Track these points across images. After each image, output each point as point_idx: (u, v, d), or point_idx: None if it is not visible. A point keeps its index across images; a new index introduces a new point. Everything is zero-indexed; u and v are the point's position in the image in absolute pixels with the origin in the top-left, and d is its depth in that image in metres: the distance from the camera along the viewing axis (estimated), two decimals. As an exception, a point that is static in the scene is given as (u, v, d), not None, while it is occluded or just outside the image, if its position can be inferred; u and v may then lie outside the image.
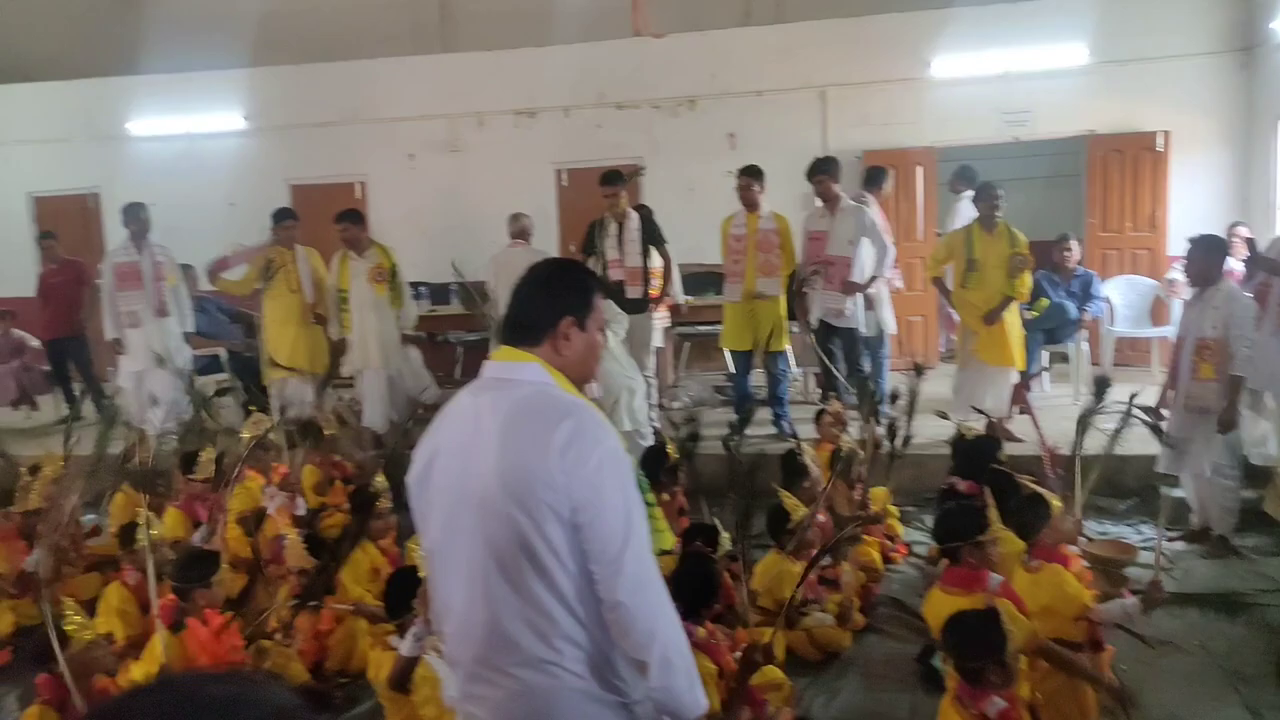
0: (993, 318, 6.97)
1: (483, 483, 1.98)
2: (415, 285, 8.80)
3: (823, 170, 7.23)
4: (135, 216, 8.12)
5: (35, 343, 9.47)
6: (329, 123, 10.80)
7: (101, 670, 4.05)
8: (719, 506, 5.16)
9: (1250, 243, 6.97)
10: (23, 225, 11.44)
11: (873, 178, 8.59)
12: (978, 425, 5.99)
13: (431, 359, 8.48)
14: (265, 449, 6.07)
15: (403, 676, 3.70)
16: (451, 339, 9.88)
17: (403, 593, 3.89)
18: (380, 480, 5.27)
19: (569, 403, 2.02)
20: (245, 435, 6.07)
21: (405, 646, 3.67)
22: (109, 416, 6.59)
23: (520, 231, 8.33)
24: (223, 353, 9.02)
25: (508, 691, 2.00)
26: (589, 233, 7.56)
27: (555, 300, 2.12)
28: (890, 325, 7.91)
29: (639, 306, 7.40)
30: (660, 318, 8.05)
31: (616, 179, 7.38)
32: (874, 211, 7.79)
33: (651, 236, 7.46)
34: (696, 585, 3.81)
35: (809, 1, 10.47)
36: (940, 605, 3.62)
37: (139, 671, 4.21)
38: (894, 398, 6.02)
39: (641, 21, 10.36)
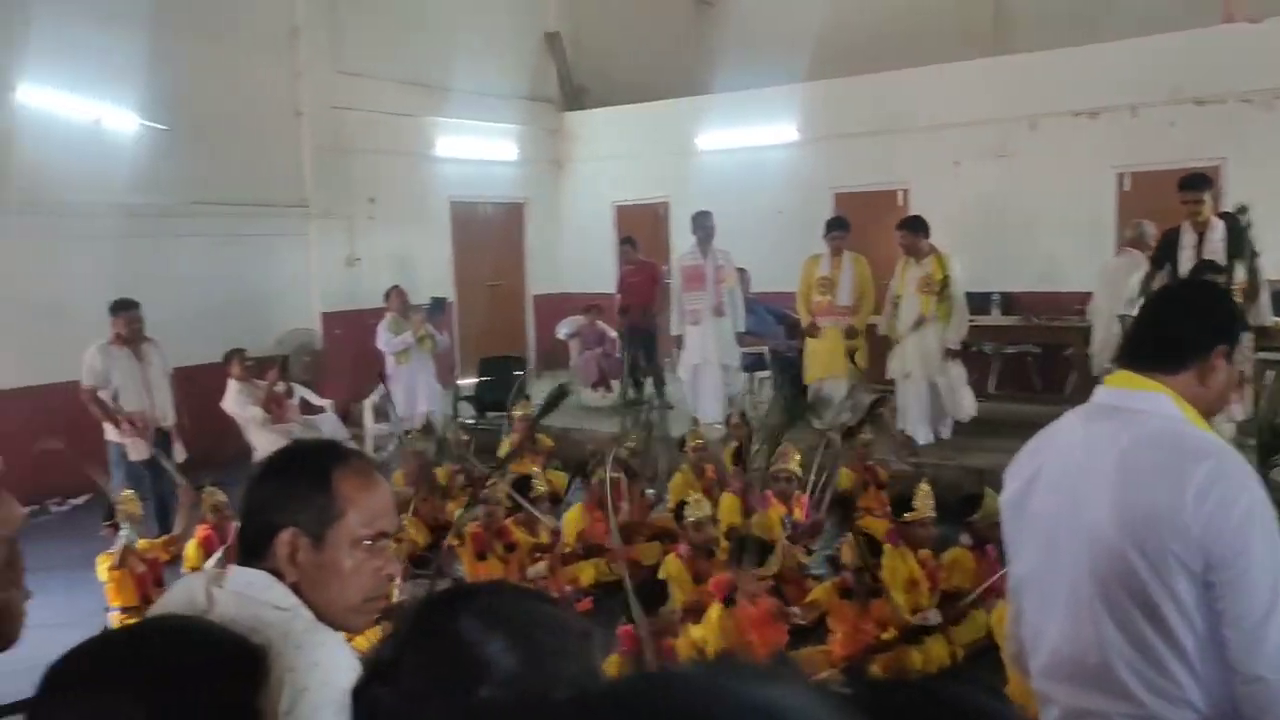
0: None
1: (1095, 518, 1.83)
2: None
3: None
4: (701, 224, 8.94)
5: (613, 334, 10.85)
6: (874, 131, 11.00)
7: (667, 632, 4.53)
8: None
9: None
10: (607, 231, 13.18)
11: None
12: None
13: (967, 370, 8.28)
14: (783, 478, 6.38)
15: None
16: (987, 350, 9.58)
17: None
18: (924, 489, 5.25)
19: (1207, 442, 1.79)
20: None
21: None
22: (665, 405, 7.41)
23: (1136, 240, 7.79)
24: (766, 351, 9.60)
25: None
26: (1162, 243, 6.90)
27: (1207, 326, 1.90)
28: None
29: None
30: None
31: (1201, 183, 6.62)
32: None
33: (1238, 248, 6.56)
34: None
35: None
36: None
37: (697, 633, 4.66)
38: None
39: (1235, 5, 9.14)
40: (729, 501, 6.11)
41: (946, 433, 7.83)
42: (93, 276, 8.31)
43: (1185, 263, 6.66)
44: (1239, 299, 6.61)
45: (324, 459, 1.58)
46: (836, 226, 8.29)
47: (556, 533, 5.97)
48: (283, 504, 1.54)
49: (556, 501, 6.95)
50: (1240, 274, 6.58)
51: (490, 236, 13.06)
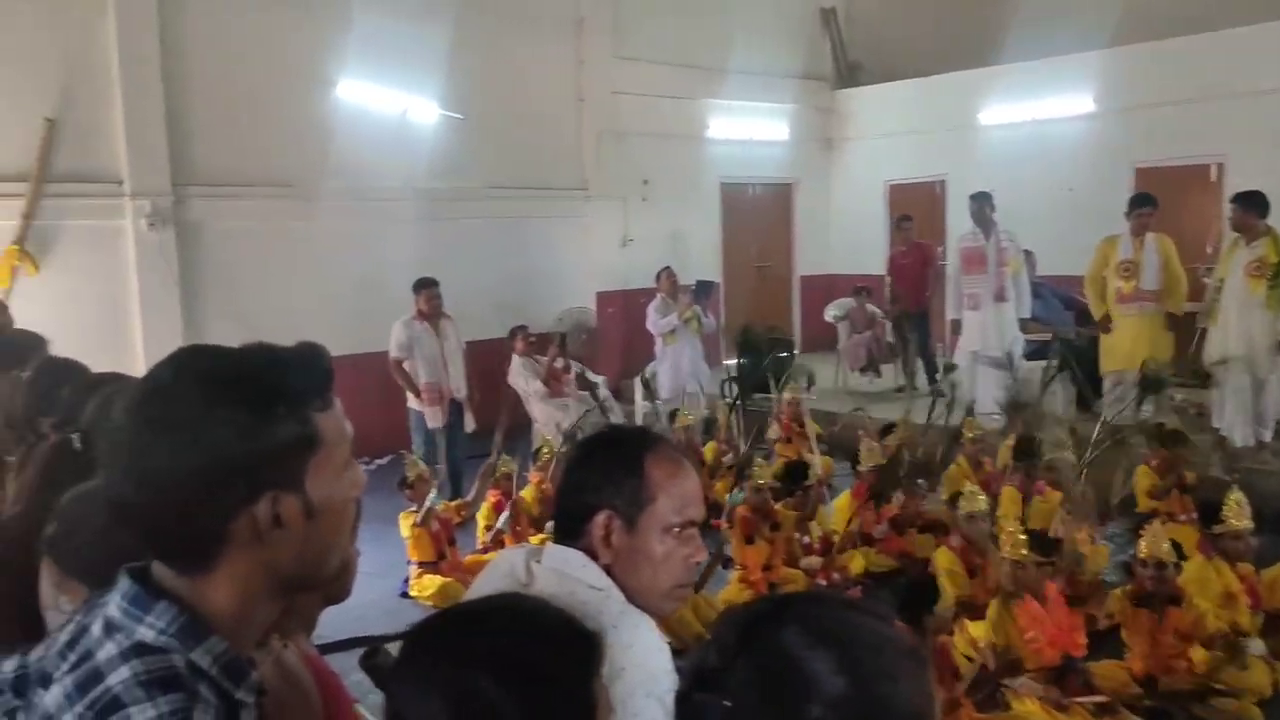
0: None
1: None
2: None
3: None
4: (980, 204, 8.50)
5: (882, 316, 10.56)
6: (1184, 100, 10.00)
7: (941, 630, 4.37)
8: None
9: None
10: (879, 211, 12.82)
11: None
12: None
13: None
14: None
15: None
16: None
17: None
18: (1235, 498, 4.74)
19: None
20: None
21: None
22: (939, 392, 7.10)
23: None
24: (1054, 339, 9.01)
25: None
26: None
27: None
28: None
29: None
30: None
31: None
32: None
33: None
34: None
35: None
36: None
37: (976, 630, 4.44)
38: None
39: None
40: (1009, 494, 5.80)
41: (1268, 435, 7.03)
42: (399, 256, 9.04)
43: None
44: None
45: (637, 445, 1.62)
46: (1145, 203, 7.63)
47: (826, 538, 5.86)
48: (598, 486, 1.58)
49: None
50: None
51: (759, 217, 13.04)
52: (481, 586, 1.65)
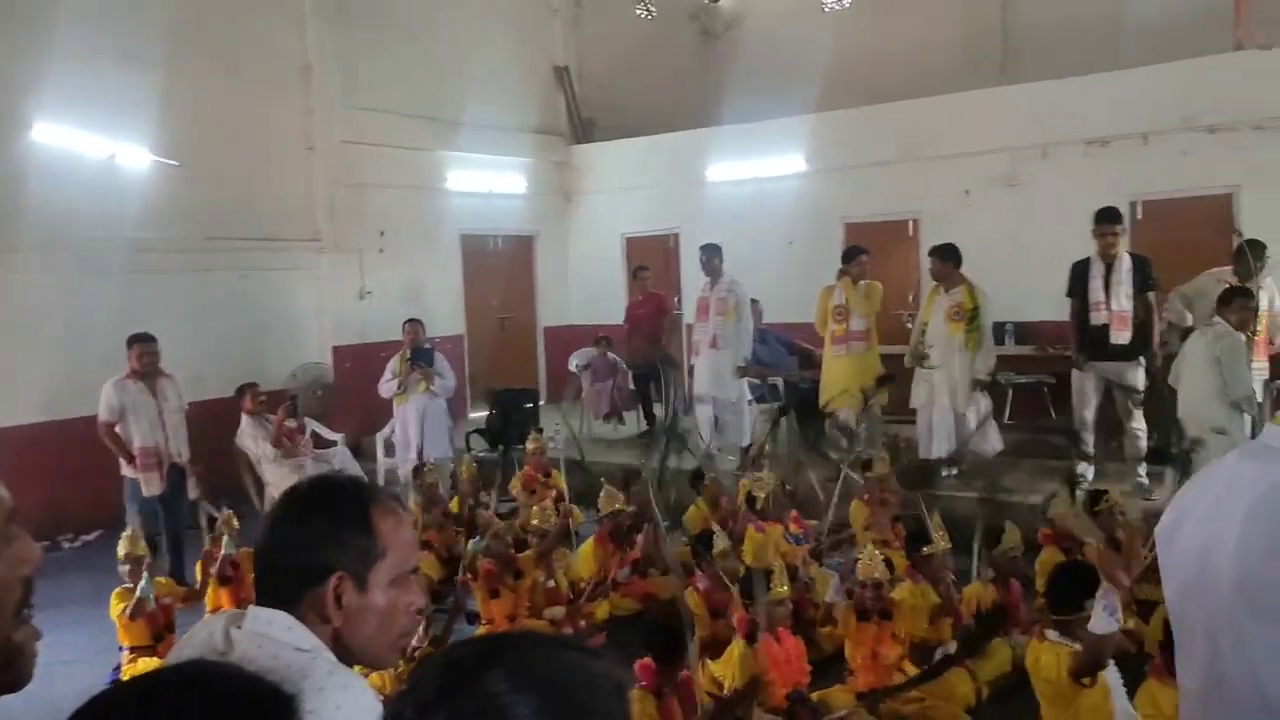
0: None
1: (1214, 565, 1.68)
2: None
3: None
4: (709, 255, 8.96)
5: (625, 365, 10.82)
6: (884, 162, 11.02)
7: (687, 666, 4.46)
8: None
9: None
10: (616, 262, 13.19)
11: None
12: None
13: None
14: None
15: (1095, 661, 3.39)
16: (1001, 380, 9.51)
17: (1072, 587, 3.71)
18: (938, 522, 5.19)
19: None
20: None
21: (1097, 623, 3.34)
22: (671, 437, 7.37)
23: None
24: (779, 382, 9.57)
25: None
26: (1073, 274, 7.29)
27: None
28: None
29: (1122, 353, 7.06)
30: (1258, 367, 7.02)
31: (1116, 217, 7.14)
32: None
33: (1145, 282, 7.09)
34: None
35: None
36: None
37: (716, 669, 4.59)
38: None
39: (1245, 32, 9.16)
40: (754, 537, 6.05)
41: (965, 464, 7.77)
42: (108, 311, 8.34)
43: (1095, 293, 7.07)
44: (1126, 330, 6.97)
45: (361, 499, 1.54)
46: (860, 252, 8.40)
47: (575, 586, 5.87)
48: (323, 546, 1.49)
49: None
50: (1123, 303, 7.00)
51: (501, 269, 13.08)
52: (177, 658, 1.52)
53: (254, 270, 10.11)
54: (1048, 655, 3.43)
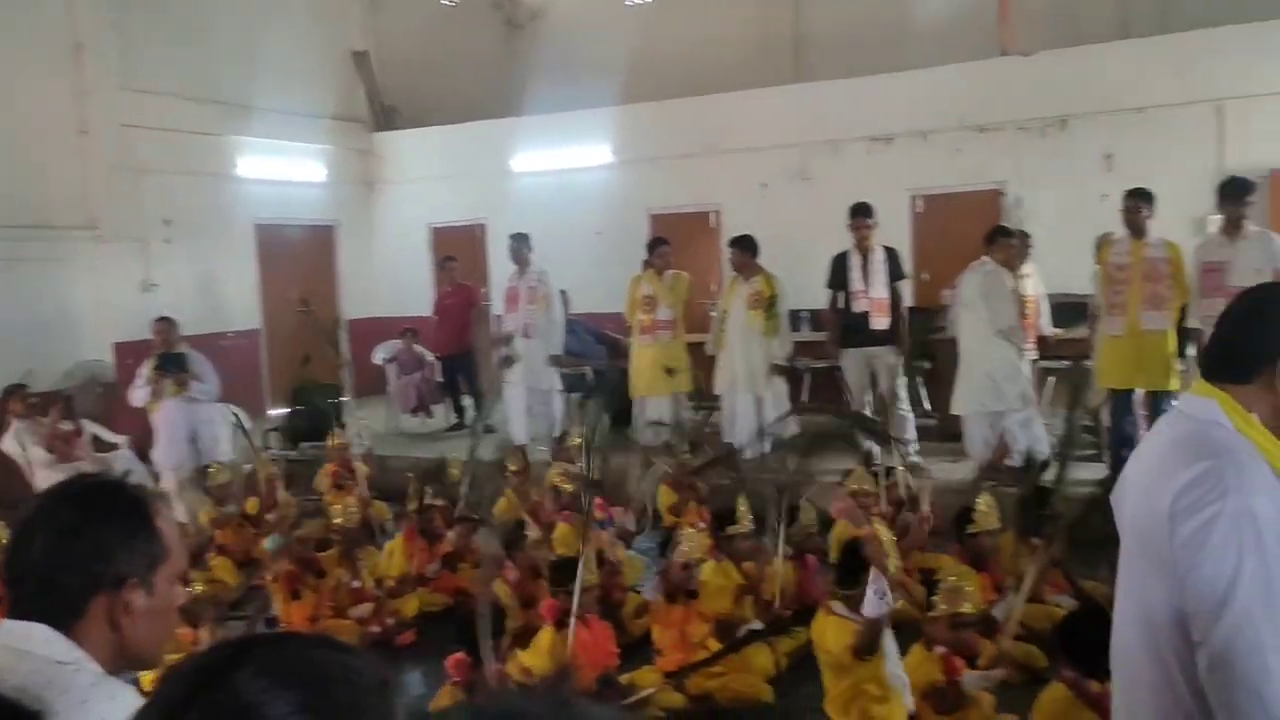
0: None
1: (1133, 520, 1.86)
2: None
3: (1244, 193, 6.52)
4: (515, 246, 8.92)
5: (432, 358, 10.64)
6: (687, 155, 11.29)
7: (497, 658, 4.45)
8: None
9: None
10: (423, 253, 12.94)
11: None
12: None
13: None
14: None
15: (870, 641, 3.56)
16: (799, 366, 9.93)
17: (856, 564, 3.86)
18: (741, 503, 5.38)
19: (1220, 445, 1.73)
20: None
21: (869, 606, 3.52)
22: (479, 427, 7.32)
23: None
24: (589, 372, 9.65)
25: None
26: (833, 266, 7.76)
27: (1272, 334, 1.84)
28: None
29: (882, 338, 7.57)
30: (1027, 349, 7.66)
31: (869, 211, 7.61)
32: None
33: (897, 272, 7.68)
34: (1085, 641, 3.55)
35: (1195, 9, 9.52)
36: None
37: (527, 659, 4.60)
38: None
39: (1009, 39, 9.92)
40: (564, 526, 6.09)
41: (767, 446, 8.04)
42: None
43: (854, 282, 7.58)
44: (884, 316, 7.51)
45: (142, 502, 1.51)
46: (662, 243, 8.52)
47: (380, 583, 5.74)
48: (113, 555, 1.44)
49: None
50: (880, 291, 7.53)
51: (300, 260, 12.57)
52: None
53: (23, 261, 9.31)
54: (833, 628, 3.63)
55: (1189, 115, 9.07)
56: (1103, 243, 7.32)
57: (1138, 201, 6.69)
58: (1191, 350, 6.88)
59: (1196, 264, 6.72)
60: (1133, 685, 1.85)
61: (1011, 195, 8.28)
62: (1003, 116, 9.81)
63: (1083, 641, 3.48)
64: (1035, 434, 7.08)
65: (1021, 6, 9.96)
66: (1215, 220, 6.98)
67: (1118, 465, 6.78)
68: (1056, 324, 8.06)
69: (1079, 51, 9.56)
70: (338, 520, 5.87)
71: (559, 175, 12.04)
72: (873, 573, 3.46)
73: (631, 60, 11.98)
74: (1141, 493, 1.81)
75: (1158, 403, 6.83)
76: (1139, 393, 6.97)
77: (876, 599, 3.43)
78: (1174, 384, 6.81)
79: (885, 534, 3.92)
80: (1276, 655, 1.62)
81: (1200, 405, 1.82)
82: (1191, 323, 6.75)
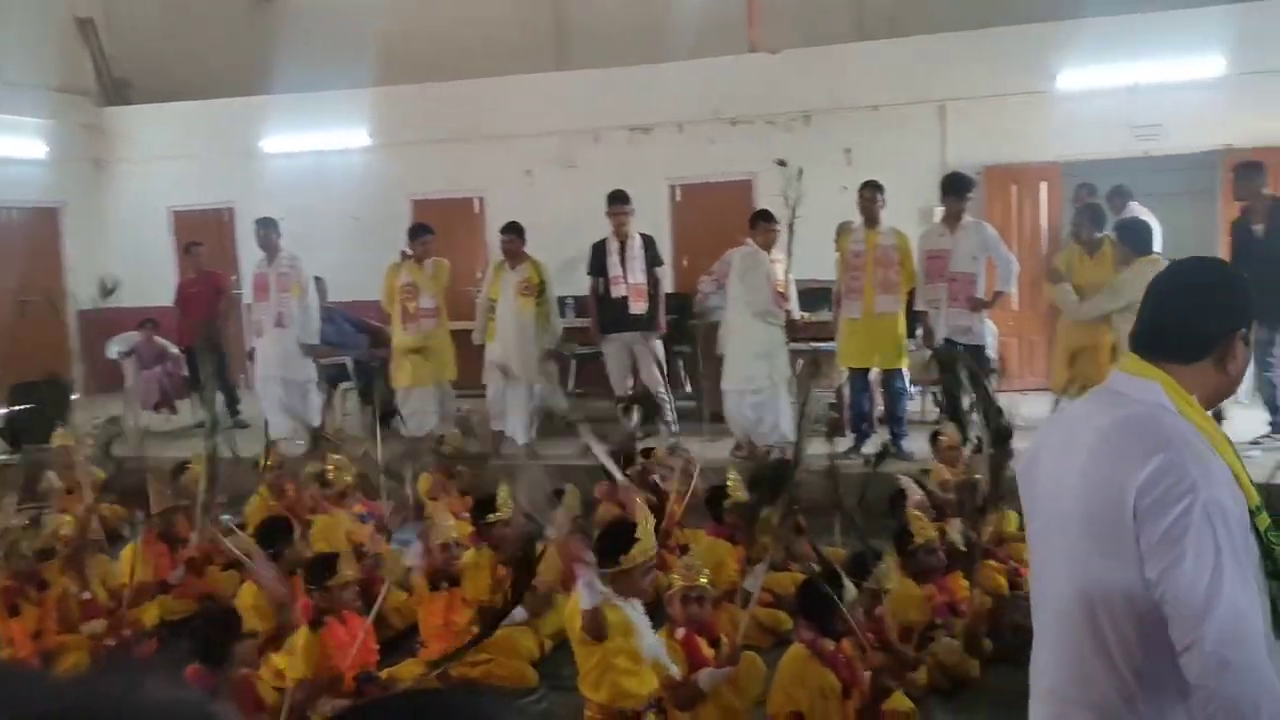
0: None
1: (1065, 498, 1.83)
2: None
3: (963, 189, 7.13)
4: (266, 231, 8.50)
5: (175, 350, 9.95)
6: (449, 139, 11.10)
7: (244, 664, 4.24)
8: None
9: None
10: (163, 239, 12.05)
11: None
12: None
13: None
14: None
15: (593, 626, 3.61)
16: (565, 352, 10.02)
17: (610, 544, 3.89)
18: (505, 490, 5.38)
19: (1173, 433, 1.72)
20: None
21: (583, 599, 3.58)
22: (216, 422, 6.92)
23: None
24: (349, 362, 9.32)
25: None
26: (594, 252, 7.97)
27: (1227, 308, 1.82)
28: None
29: (642, 323, 7.79)
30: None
31: (625, 199, 7.84)
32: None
33: (654, 258, 7.96)
34: (820, 603, 3.79)
35: (925, 15, 10.34)
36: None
37: (280, 662, 4.41)
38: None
39: (757, 37, 10.38)
40: (323, 521, 5.86)
41: (534, 432, 8.08)
42: None
43: (613, 268, 7.82)
44: (642, 301, 7.80)
45: None
46: (425, 231, 8.34)
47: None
48: None
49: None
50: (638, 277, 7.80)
51: (18, 245, 11.42)
52: None
53: None
54: (575, 608, 3.70)
55: (916, 114, 9.83)
56: (842, 231, 7.83)
57: (872, 192, 7.21)
58: (920, 331, 7.49)
59: (921, 252, 7.32)
60: (1064, 658, 1.85)
61: (793, 168, 8.51)
62: (752, 110, 10.26)
63: (818, 604, 3.73)
64: (781, 410, 7.47)
65: (768, 6, 10.45)
66: (940, 212, 7.62)
67: (859, 439, 7.32)
68: (803, 308, 8.53)
69: (820, 51, 10.15)
70: (63, 532, 5.38)
71: (314, 158, 11.54)
72: (579, 568, 3.56)
73: (390, 40, 11.65)
74: (1081, 472, 1.78)
75: (890, 379, 7.40)
76: (874, 371, 7.51)
77: (588, 591, 3.54)
78: (904, 362, 7.40)
79: (648, 515, 4.03)
80: (1262, 657, 1.61)
81: (1140, 386, 1.79)
82: (919, 306, 7.34)
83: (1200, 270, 1.95)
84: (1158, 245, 7.10)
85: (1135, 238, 6.31)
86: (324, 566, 4.59)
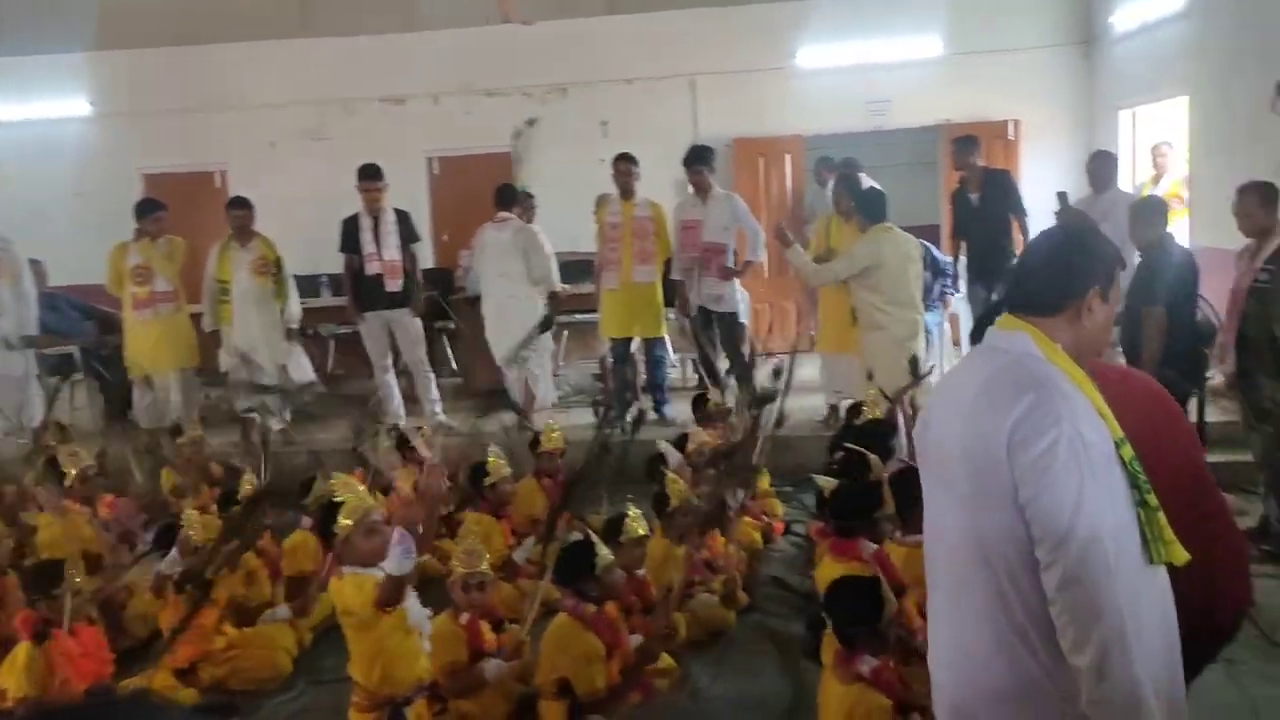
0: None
1: (952, 454, 1.93)
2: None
3: (703, 160, 7.33)
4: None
5: None
6: (184, 109, 10.36)
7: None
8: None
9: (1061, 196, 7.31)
10: None
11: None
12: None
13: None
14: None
15: (393, 594, 3.50)
16: (323, 332, 9.62)
17: None
18: (249, 480, 5.12)
19: (1041, 376, 1.86)
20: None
21: (392, 564, 3.44)
22: None
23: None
24: (76, 351, 8.55)
25: (953, 679, 2.00)
26: (345, 229, 7.59)
27: (1082, 268, 1.96)
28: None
29: (398, 300, 7.52)
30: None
31: (377, 174, 7.50)
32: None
33: (409, 234, 7.65)
34: (575, 570, 3.84)
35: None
36: (831, 572, 3.80)
37: (2, 681, 4.01)
38: (776, 374, 5.92)
39: (509, 8, 10.26)
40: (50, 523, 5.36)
41: (288, 415, 7.72)
42: None
43: (366, 245, 7.47)
44: (397, 279, 7.52)
45: None
46: (156, 208, 7.69)
47: None
48: None
49: None
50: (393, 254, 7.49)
51: None
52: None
53: None
54: (350, 586, 3.58)
55: (669, 87, 10.08)
56: (600, 203, 7.92)
57: (626, 164, 7.32)
58: (677, 301, 7.68)
59: (676, 222, 7.51)
60: (960, 609, 1.96)
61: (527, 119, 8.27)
62: (508, 82, 10.17)
63: (574, 570, 3.78)
64: (545, 380, 7.56)
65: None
66: (690, 183, 7.83)
67: (623, 407, 7.43)
68: (565, 281, 8.57)
69: (574, 24, 10.17)
70: None
71: (26, 128, 10.46)
72: (398, 533, 3.45)
73: (120, 2, 10.67)
74: (963, 424, 1.90)
75: (651, 348, 7.57)
76: (636, 340, 7.66)
77: (402, 557, 3.42)
78: (663, 330, 7.59)
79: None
80: (1114, 575, 1.75)
81: (1010, 339, 1.94)
82: (675, 275, 7.53)
83: (1059, 235, 2.18)
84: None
85: (869, 207, 6.70)
86: (48, 573, 4.20)
